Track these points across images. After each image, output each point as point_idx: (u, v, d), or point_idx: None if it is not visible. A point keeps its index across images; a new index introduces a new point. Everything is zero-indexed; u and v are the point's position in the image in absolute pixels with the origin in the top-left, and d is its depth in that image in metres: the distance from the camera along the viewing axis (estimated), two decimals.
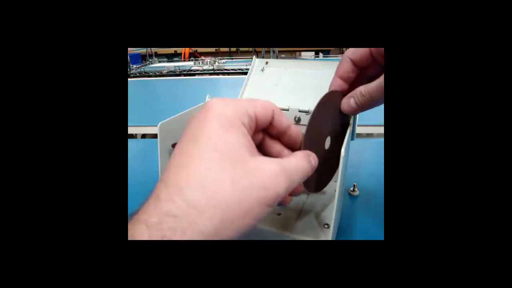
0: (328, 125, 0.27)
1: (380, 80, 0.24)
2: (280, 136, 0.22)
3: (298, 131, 0.23)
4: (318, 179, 0.28)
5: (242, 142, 0.18)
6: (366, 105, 0.25)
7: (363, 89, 0.25)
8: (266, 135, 0.23)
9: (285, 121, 0.22)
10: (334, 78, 0.28)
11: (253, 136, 0.21)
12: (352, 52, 0.26)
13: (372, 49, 0.25)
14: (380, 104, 0.25)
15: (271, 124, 0.21)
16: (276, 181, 0.18)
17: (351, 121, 0.35)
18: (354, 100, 0.26)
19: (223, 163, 0.17)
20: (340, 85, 0.27)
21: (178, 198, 0.16)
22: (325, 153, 0.27)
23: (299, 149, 0.23)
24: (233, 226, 0.16)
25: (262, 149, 0.24)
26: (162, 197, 0.16)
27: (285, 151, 0.23)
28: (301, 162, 0.20)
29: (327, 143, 0.28)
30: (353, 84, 0.27)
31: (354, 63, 0.26)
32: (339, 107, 0.28)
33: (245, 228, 0.17)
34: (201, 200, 0.16)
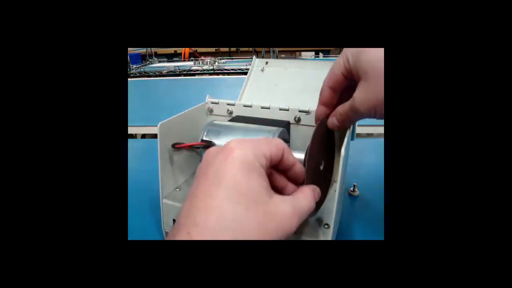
0: (321, 150, 0.30)
1: (351, 101, 0.26)
2: (285, 171, 0.24)
3: (301, 168, 0.25)
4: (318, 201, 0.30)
5: (262, 185, 0.20)
6: (346, 122, 0.28)
7: (340, 109, 0.28)
8: (273, 170, 0.25)
9: (292, 158, 0.24)
10: (318, 106, 0.31)
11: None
12: (328, 80, 0.29)
13: (343, 70, 0.27)
14: (362, 118, 0.27)
15: (280, 161, 0.23)
16: (290, 222, 0.20)
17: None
18: (336, 118, 0.29)
19: (249, 208, 0.18)
20: (324, 111, 0.30)
21: (199, 237, 0.17)
22: (321, 174, 0.30)
23: (302, 183, 0.25)
24: None
25: (270, 182, 0.26)
26: (193, 236, 0.17)
27: (289, 185, 0.25)
28: (308, 200, 0.23)
29: (322, 165, 0.31)
30: (338, 103, 0.30)
31: (332, 89, 0.29)
32: (327, 131, 0.31)
33: None
34: (224, 235, 0.17)
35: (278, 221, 0.19)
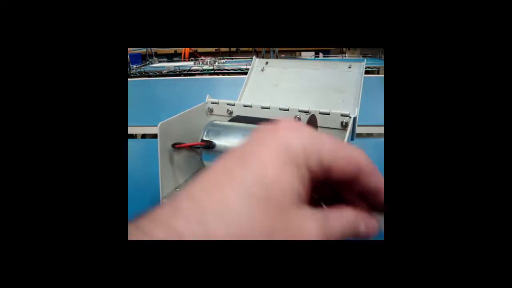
0: None
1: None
2: (363, 196, 0.18)
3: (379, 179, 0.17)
4: None
5: (295, 187, 0.15)
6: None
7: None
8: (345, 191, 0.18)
9: (374, 181, 0.17)
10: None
11: (319, 187, 0.17)
12: None
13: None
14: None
15: (353, 180, 0.16)
16: (309, 236, 0.16)
17: (350, 122, 0.35)
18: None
19: (263, 205, 0.14)
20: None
21: (197, 224, 0.14)
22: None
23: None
24: None
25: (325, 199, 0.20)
26: (182, 211, 0.14)
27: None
28: (345, 229, 0.17)
29: None
30: None
31: None
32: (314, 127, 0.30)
33: None
34: (221, 233, 0.14)
35: (294, 237, 0.15)
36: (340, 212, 0.17)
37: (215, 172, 0.15)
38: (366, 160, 0.16)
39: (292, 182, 0.15)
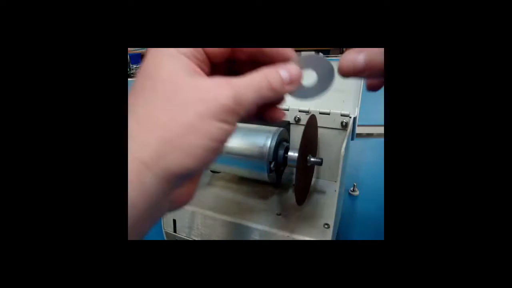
0: (309, 146, 0.31)
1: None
2: (256, 58, 0.20)
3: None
4: (303, 192, 0.31)
5: (180, 66, 0.17)
6: (373, 68, 0.20)
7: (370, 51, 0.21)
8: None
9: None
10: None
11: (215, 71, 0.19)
12: None
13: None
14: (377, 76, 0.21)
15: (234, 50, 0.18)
16: (216, 92, 0.16)
17: (351, 122, 0.35)
18: (364, 56, 0.20)
19: (155, 88, 0.16)
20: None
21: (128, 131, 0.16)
22: (309, 168, 0.31)
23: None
24: (178, 146, 0.15)
25: (263, 114, 0.22)
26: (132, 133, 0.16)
27: None
28: (259, 76, 0.18)
29: (309, 159, 0.31)
30: None
31: None
32: (314, 128, 0.30)
33: (198, 150, 0.15)
34: (135, 127, 0.16)
35: (197, 93, 0.16)
36: (251, 73, 0.18)
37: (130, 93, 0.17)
38: None
39: (174, 64, 0.17)
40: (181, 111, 0.15)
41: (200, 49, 0.18)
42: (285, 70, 0.18)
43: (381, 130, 0.71)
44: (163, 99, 0.16)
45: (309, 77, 0.21)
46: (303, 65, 0.20)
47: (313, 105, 0.38)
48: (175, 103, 0.15)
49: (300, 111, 0.37)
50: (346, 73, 0.21)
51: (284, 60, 0.20)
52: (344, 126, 0.38)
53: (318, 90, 0.21)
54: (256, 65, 0.20)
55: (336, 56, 2.43)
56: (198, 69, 0.17)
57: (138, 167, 0.15)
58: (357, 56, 0.20)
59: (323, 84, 0.21)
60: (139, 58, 2.26)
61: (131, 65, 1.96)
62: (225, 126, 0.16)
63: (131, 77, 1.67)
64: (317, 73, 0.21)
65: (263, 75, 0.18)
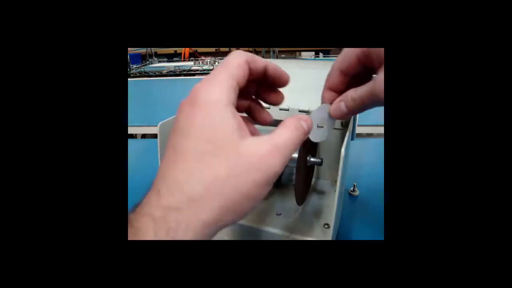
0: (308, 146, 0.32)
1: (371, 84, 0.23)
2: (262, 78, 0.23)
3: (275, 66, 0.23)
4: (303, 192, 0.32)
5: (231, 126, 0.18)
6: (357, 109, 0.25)
7: (353, 93, 0.25)
8: (252, 102, 0.24)
9: (260, 63, 0.22)
10: (325, 90, 0.28)
11: (239, 100, 0.21)
12: (341, 62, 0.26)
13: (359, 53, 0.25)
14: (369, 108, 0.25)
15: (250, 74, 0.21)
16: (269, 161, 0.18)
17: (351, 122, 0.35)
18: (345, 104, 0.25)
19: (216, 154, 0.17)
20: (333, 97, 0.27)
21: (178, 192, 0.17)
22: (307, 169, 0.31)
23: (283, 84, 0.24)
24: (235, 210, 0.18)
25: (252, 116, 0.25)
26: (163, 192, 0.17)
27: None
28: (292, 132, 0.20)
29: (309, 159, 0.32)
30: (346, 90, 0.27)
31: (344, 73, 0.26)
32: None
33: (248, 209, 0.18)
34: (201, 192, 0.17)
35: (253, 162, 0.18)
36: (283, 125, 0.21)
37: (170, 151, 0.19)
38: (245, 55, 0.21)
39: (227, 124, 0.18)
40: (241, 181, 0.17)
41: (236, 86, 0.20)
42: (305, 122, 0.22)
43: (381, 130, 0.71)
44: (226, 167, 0.17)
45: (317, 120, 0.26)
46: (314, 115, 0.26)
47: (313, 105, 0.38)
48: (236, 173, 0.17)
49: (300, 111, 0.37)
50: (338, 118, 0.27)
51: (283, 82, 0.24)
52: (344, 125, 0.38)
53: (327, 130, 0.27)
54: (260, 84, 0.25)
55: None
56: (244, 126, 0.19)
57: (202, 226, 0.17)
58: (340, 104, 0.26)
59: (330, 124, 0.27)
60: (139, 58, 2.25)
61: (131, 65, 1.96)
62: (270, 187, 0.19)
63: (131, 77, 1.67)
64: (324, 118, 0.27)
65: (295, 130, 0.21)
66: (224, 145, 0.18)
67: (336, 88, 0.27)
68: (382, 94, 0.22)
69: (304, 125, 0.21)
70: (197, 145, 0.18)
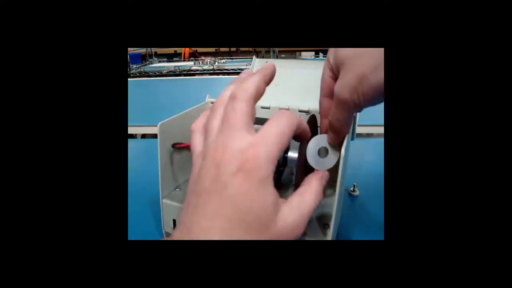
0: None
1: (333, 96, 0.25)
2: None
3: (307, 127, 0.24)
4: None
5: (269, 201, 0.18)
6: (340, 125, 0.26)
7: (329, 116, 0.26)
8: None
9: (303, 126, 0.23)
10: (321, 120, 0.29)
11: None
12: (321, 90, 0.28)
13: (330, 72, 0.26)
14: (352, 111, 0.25)
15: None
16: (296, 232, 0.19)
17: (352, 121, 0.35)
18: (330, 130, 0.27)
19: (251, 232, 0.17)
20: (330, 104, 0.27)
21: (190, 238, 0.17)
22: (307, 169, 0.32)
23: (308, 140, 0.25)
24: None
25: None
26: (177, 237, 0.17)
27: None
28: (315, 195, 0.22)
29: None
30: None
31: (329, 97, 0.27)
32: (314, 126, 0.31)
33: None
34: None
35: (282, 234, 0.19)
36: (309, 186, 0.22)
37: (193, 209, 0.18)
38: (294, 120, 0.21)
39: (265, 199, 0.18)
40: None
41: (283, 148, 0.19)
42: (325, 181, 0.24)
43: (381, 130, 0.71)
44: (255, 238, 0.18)
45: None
46: (311, 152, 0.28)
47: (313, 105, 0.38)
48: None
49: (300, 111, 0.37)
50: (335, 143, 0.28)
51: (303, 139, 0.25)
52: None
53: (334, 156, 0.28)
54: None
55: None
56: (279, 199, 0.19)
57: None
58: (329, 134, 0.27)
59: (335, 149, 0.28)
60: (139, 58, 2.25)
61: (131, 65, 1.96)
62: None
63: (131, 77, 1.67)
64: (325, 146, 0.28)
65: (319, 196, 0.22)
66: (260, 223, 0.18)
67: (328, 114, 0.27)
68: (342, 95, 0.24)
69: (324, 182, 0.23)
70: (234, 217, 0.17)
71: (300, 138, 0.24)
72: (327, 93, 0.27)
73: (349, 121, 0.26)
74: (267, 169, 0.18)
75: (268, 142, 0.19)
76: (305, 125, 0.23)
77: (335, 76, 0.26)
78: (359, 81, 0.22)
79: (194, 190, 0.19)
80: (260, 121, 0.37)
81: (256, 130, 0.21)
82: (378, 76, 0.22)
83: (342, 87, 0.24)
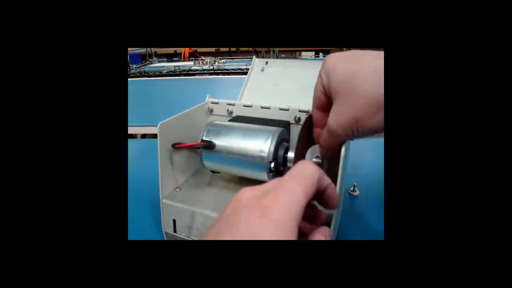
0: (307, 145, 0.32)
1: (327, 126, 0.25)
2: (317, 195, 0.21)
3: (334, 188, 0.22)
4: None
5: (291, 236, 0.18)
6: (331, 149, 0.26)
7: (321, 139, 0.27)
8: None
9: (325, 181, 0.21)
10: (314, 129, 0.29)
11: None
12: (313, 103, 0.27)
13: (322, 90, 0.26)
14: (345, 140, 0.25)
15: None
16: None
17: None
18: (322, 150, 0.28)
19: None
20: (322, 115, 0.27)
21: None
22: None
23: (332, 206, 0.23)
24: None
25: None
26: None
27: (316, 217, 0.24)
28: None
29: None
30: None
31: (321, 110, 0.27)
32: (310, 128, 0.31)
33: None
34: None
35: None
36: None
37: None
38: (316, 174, 0.20)
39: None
40: None
41: (304, 207, 0.18)
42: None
43: None
44: None
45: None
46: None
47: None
48: None
49: (300, 111, 0.37)
50: (330, 155, 0.28)
51: (331, 205, 0.23)
52: None
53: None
54: None
55: None
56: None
57: None
58: (323, 152, 0.28)
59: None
60: (139, 58, 2.25)
61: (131, 65, 1.96)
62: None
63: (131, 77, 1.67)
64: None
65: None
66: None
67: (322, 124, 0.27)
68: (337, 131, 0.23)
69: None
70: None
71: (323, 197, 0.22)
72: (319, 106, 0.27)
73: (341, 146, 0.26)
74: (294, 219, 0.18)
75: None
76: (327, 181, 0.21)
77: (327, 95, 0.26)
78: (355, 123, 0.22)
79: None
80: (259, 121, 0.37)
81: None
82: (374, 120, 0.21)
83: (337, 123, 0.23)
